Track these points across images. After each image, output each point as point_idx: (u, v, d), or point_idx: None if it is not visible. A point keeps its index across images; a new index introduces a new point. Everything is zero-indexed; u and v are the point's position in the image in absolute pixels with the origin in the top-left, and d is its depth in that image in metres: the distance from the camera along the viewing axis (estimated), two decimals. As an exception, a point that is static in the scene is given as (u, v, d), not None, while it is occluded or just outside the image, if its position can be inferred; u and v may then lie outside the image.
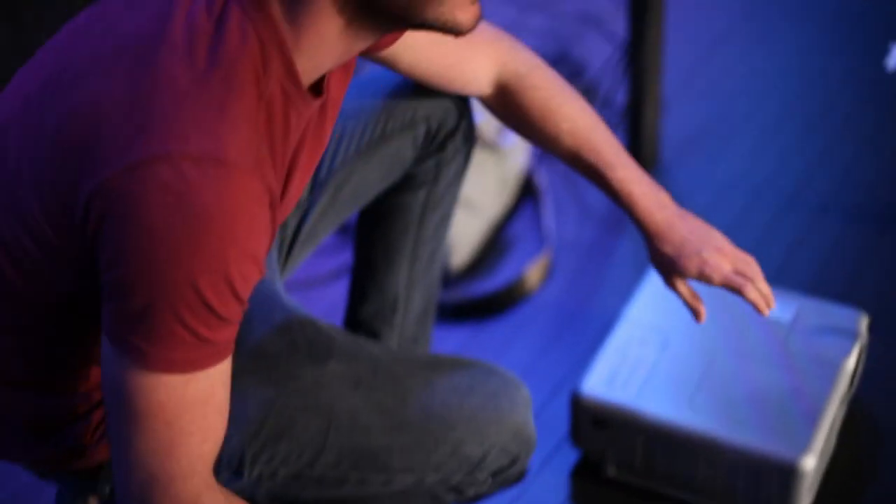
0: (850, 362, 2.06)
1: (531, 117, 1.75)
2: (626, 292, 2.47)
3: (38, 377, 1.41)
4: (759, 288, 1.72)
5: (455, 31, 1.31)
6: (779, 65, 3.07)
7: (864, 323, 2.12)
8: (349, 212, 1.88)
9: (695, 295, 1.77)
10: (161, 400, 1.24)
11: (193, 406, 1.26)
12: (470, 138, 1.88)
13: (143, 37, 1.24)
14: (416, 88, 1.82)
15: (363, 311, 1.97)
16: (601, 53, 3.12)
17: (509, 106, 1.76)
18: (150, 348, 1.21)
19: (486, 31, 1.75)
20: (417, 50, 1.66)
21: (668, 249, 1.74)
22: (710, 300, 2.17)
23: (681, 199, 2.68)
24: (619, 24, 3.20)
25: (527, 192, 2.72)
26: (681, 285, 1.77)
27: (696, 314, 1.76)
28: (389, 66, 1.68)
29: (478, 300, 2.43)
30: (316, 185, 1.80)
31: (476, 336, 2.40)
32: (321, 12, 1.26)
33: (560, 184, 2.74)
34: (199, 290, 1.19)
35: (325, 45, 1.29)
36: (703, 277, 1.72)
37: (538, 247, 2.59)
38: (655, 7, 2.60)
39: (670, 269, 1.75)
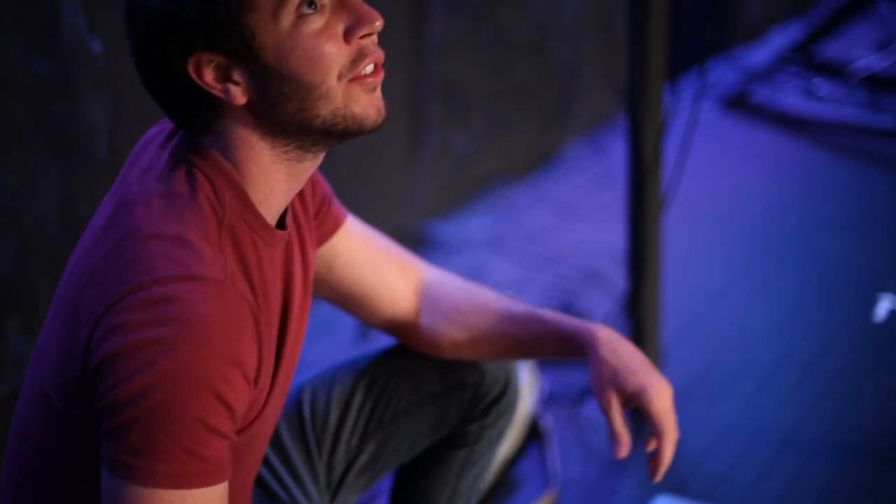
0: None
1: (459, 304, 1.84)
2: (629, 528, 2.53)
3: None
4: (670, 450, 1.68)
5: (359, 126, 1.42)
6: (775, 315, 3.20)
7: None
8: (392, 465, 1.95)
9: (624, 424, 1.69)
10: None
11: None
12: (513, 404, 1.95)
13: (110, 216, 1.42)
14: None
15: None
16: (602, 307, 3.26)
17: (435, 302, 1.84)
18: (141, 463, 1.28)
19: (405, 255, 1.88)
20: (349, 253, 1.78)
21: (613, 360, 1.70)
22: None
23: (678, 443, 2.76)
24: (620, 280, 3.36)
25: (533, 434, 2.82)
26: (614, 406, 1.69)
27: (618, 446, 1.68)
28: (327, 269, 1.78)
29: (486, 536, 2.49)
30: (365, 435, 1.89)
31: (483, 570, 2.45)
32: (247, 141, 1.42)
33: (565, 425, 2.84)
34: (182, 397, 1.27)
35: (265, 173, 1.44)
36: (642, 399, 1.67)
37: (544, 486, 2.66)
38: (652, 263, 2.76)
39: (609, 383, 1.69)
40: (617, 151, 4.17)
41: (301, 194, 1.64)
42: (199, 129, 1.44)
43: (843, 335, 3.11)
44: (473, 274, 3.30)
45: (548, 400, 2.92)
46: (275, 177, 1.45)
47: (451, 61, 3.69)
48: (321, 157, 1.49)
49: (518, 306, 1.83)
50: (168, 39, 1.37)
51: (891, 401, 2.86)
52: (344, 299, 1.82)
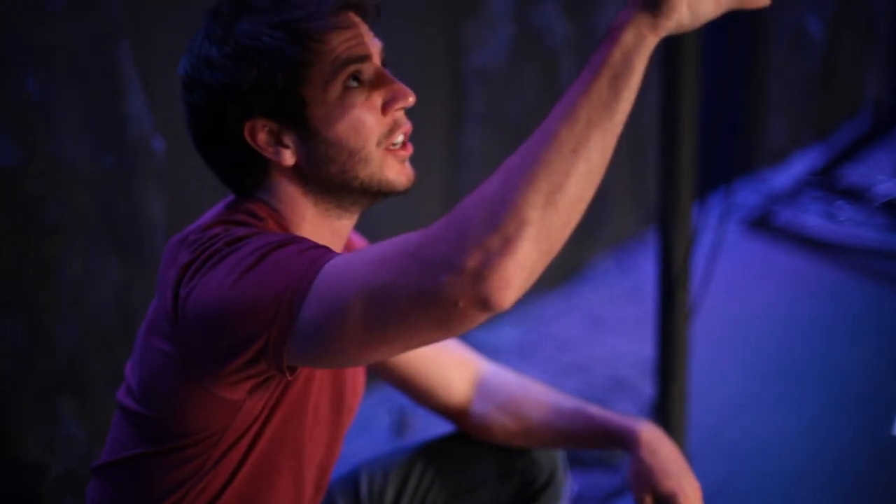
0: None
1: (513, 395, 1.97)
2: None
3: None
4: None
5: (391, 188, 1.59)
6: (796, 427, 3.26)
7: None
8: None
9: None
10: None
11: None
12: (558, 493, 2.03)
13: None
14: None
15: None
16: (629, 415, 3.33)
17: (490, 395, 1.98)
18: (302, 258, 1.42)
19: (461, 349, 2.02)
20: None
21: (650, 461, 1.84)
22: None
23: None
24: (647, 388, 3.44)
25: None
26: (647, 501, 1.84)
27: None
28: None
29: None
30: None
31: None
32: (292, 197, 1.60)
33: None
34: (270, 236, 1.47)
35: (307, 223, 1.60)
36: (673, 502, 1.82)
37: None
38: (679, 372, 2.84)
39: (644, 483, 1.84)
40: (644, 267, 4.28)
41: None
42: (249, 188, 1.62)
43: (863, 448, 3.17)
44: (503, 379, 3.38)
45: (576, 500, 2.99)
46: (319, 230, 1.62)
47: (487, 173, 3.81)
48: (356, 216, 1.66)
49: (567, 401, 1.97)
50: (228, 107, 1.57)
51: (909, 513, 2.92)
52: (402, 383, 1.96)
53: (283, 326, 1.39)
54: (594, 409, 1.96)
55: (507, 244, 1.25)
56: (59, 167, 2.35)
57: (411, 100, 1.59)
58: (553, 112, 1.31)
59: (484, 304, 1.26)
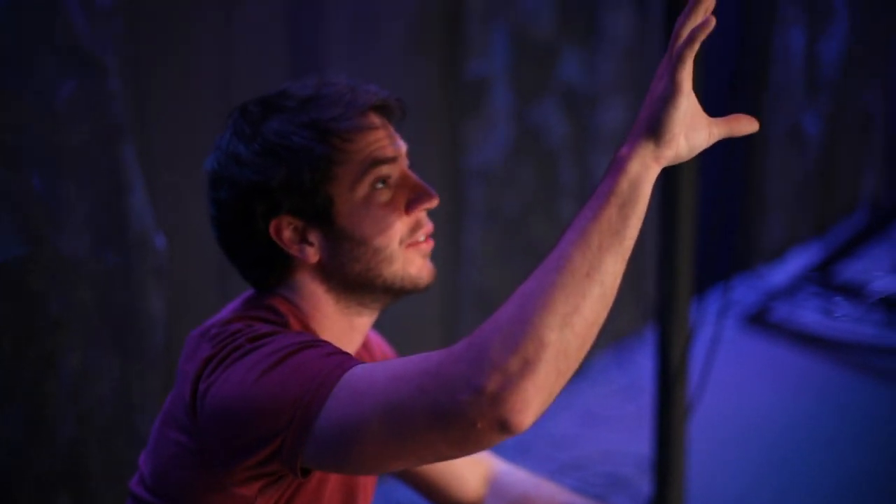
0: None
1: (527, 492, 2.00)
2: None
3: None
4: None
5: (414, 285, 1.63)
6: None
7: None
8: None
9: None
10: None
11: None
12: None
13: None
14: None
15: None
16: (628, 512, 3.34)
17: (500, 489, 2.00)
18: (317, 368, 1.42)
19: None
20: None
21: None
22: None
23: None
24: (645, 486, 3.44)
25: None
26: None
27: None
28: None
29: None
30: None
31: None
32: (314, 293, 1.63)
33: None
34: (287, 338, 1.48)
35: (332, 322, 1.63)
36: None
37: None
38: (677, 469, 2.84)
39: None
40: (642, 364, 4.30)
41: None
42: (271, 284, 1.65)
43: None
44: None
45: None
46: (339, 326, 1.65)
47: (486, 270, 3.85)
48: (377, 313, 1.69)
49: (578, 500, 1.99)
50: (255, 204, 1.60)
51: None
52: (416, 480, 1.98)
53: (299, 430, 1.40)
54: None
55: (527, 366, 1.29)
56: (61, 262, 2.38)
57: (435, 201, 1.64)
58: (564, 238, 1.36)
59: (502, 425, 1.29)
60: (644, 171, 1.38)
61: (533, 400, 1.28)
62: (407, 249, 1.63)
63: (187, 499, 1.57)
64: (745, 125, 1.44)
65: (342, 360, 1.44)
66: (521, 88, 3.91)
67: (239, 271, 1.69)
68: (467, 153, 3.75)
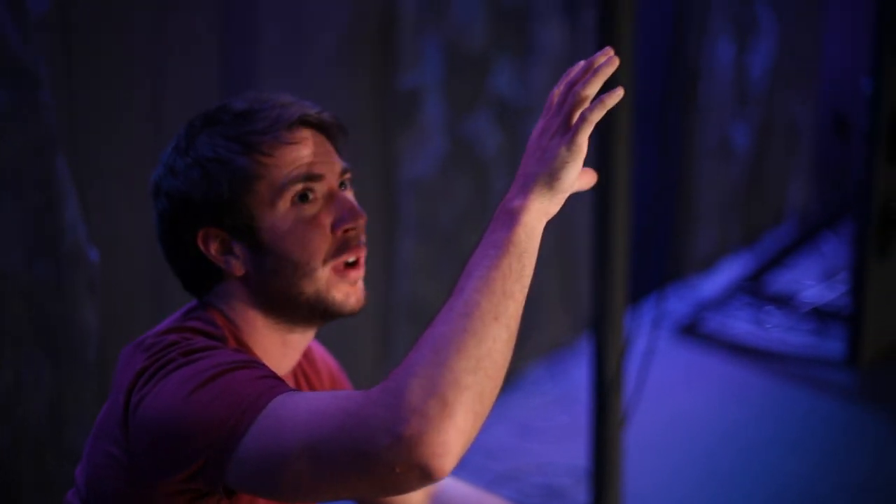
0: None
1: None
2: None
3: None
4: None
5: (339, 310, 1.62)
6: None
7: None
8: None
9: None
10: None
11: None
12: None
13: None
14: None
15: None
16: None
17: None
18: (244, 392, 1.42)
19: None
20: None
21: None
22: None
23: None
24: (581, 496, 3.45)
25: None
26: None
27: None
28: None
29: None
30: None
31: None
32: (243, 307, 1.63)
33: None
34: (220, 356, 1.48)
35: (262, 337, 1.64)
36: None
37: None
38: (613, 479, 2.85)
39: None
40: (575, 375, 4.32)
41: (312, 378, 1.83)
42: (208, 295, 1.66)
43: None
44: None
45: None
46: (271, 342, 1.65)
47: (420, 283, 3.85)
48: (310, 332, 1.69)
49: None
50: (182, 216, 1.63)
51: None
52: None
53: (221, 452, 1.41)
54: None
55: (446, 409, 1.30)
56: (-8, 276, 2.35)
57: (361, 221, 1.64)
58: (468, 284, 1.41)
59: (422, 470, 1.30)
60: (538, 223, 1.44)
61: (453, 444, 1.30)
62: (333, 272, 1.63)
63: None
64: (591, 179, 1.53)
65: (273, 385, 1.44)
66: (453, 100, 3.92)
67: (180, 281, 1.70)
68: (400, 165, 3.75)
